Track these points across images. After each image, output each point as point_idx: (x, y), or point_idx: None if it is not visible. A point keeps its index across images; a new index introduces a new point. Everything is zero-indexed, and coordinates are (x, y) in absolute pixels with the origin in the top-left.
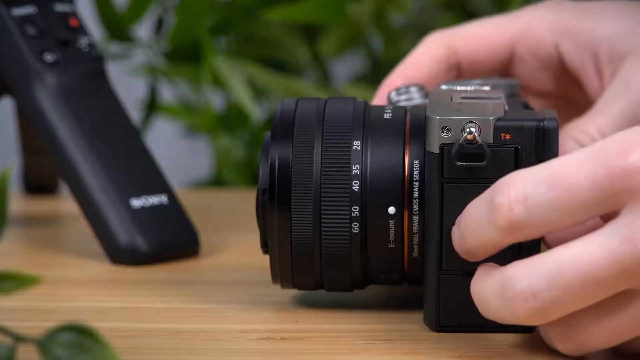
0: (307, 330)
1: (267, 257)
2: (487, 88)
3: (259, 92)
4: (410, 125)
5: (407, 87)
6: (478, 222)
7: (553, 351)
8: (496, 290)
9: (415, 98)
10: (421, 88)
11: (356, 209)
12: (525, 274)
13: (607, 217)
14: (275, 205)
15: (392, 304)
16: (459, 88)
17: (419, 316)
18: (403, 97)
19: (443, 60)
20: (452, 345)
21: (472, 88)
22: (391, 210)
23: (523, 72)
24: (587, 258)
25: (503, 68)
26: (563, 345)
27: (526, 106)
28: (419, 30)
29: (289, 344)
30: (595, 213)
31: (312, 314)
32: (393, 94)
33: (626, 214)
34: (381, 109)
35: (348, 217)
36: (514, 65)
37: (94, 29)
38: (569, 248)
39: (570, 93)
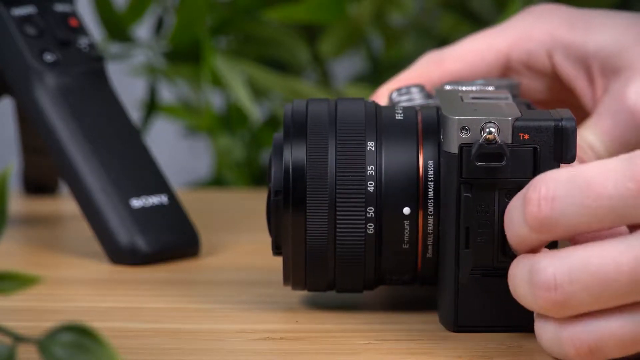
0: (307, 330)
1: (267, 257)
2: (491, 88)
3: (259, 92)
4: (423, 126)
5: (408, 87)
6: (512, 216)
7: None
8: (525, 275)
9: (417, 98)
10: (422, 88)
11: (371, 209)
12: (551, 264)
13: (634, 227)
14: (290, 206)
15: (393, 305)
16: (464, 88)
17: (419, 316)
18: (404, 97)
19: (436, 82)
20: (452, 345)
21: (477, 88)
22: (406, 210)
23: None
24: (612, 259)
25: None
26: (575, 351)
27: (529, 106)
28: (419, 30)
29: (289, 344)
30: (620, 223)
31: (312, 314)
32: (394, 95)
33: None
34: (392, 109)
35: (363, 218)
36: (509, 76)
37: (94, 29)
38: (597, 246)
39: (567, 99)
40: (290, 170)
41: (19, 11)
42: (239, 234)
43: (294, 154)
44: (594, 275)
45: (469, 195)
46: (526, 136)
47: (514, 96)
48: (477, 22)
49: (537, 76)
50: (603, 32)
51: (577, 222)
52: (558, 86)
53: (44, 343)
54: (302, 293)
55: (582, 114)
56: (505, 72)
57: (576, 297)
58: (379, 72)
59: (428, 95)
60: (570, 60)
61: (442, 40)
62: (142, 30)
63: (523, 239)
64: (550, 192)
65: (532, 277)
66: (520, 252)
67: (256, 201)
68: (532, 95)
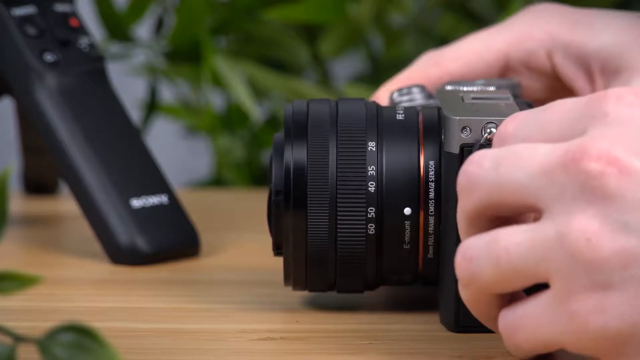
0: (307, 330)
1: (267, 257)
2: (492, 88)
3: (259, 92)
4: (424, 126)
5: (409, 87)
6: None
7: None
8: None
9: (418, 99)
10: (423, 89)
11: (372, 210)
12: (472, 239)
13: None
14: (291, 206)
15: (394, 305)
16: (465, 89)
17: (419, 317)
18: (405, 97)
19: (435, 82)
20: (452, 345)
21: (478, 88)
22: (407, 211)
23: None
24: (514, 238)
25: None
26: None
27: (530, 106)
28: (419, 30)
29: (289, 344)
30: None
31: (312, 314)
32: (395, 95)
33: (552, 216)
34: (393, 109)
35: (364, 218)
36: (508, 75)
37: (94, 29)
38: (509, 228)
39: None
40: (291, 170)
41: (19, 11)
42: (239, 234)
43: (295, 154)
44: (502, 251)
45: None
46: None
47: (515, 96)
48: (477, 22)
49: (536, 76)
50: (604, 32)
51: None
52: (558, 86)
53: (44, 343)
54: (303, 293)
55: None
56: (505, 72)
57: (485, 271)
58: (379, 72)
59: (429, 96)
60: (571, 60)
61: (442, 40)
62: (142, 30)
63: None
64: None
65: (458, 252)
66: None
67: (256, 201)
68: (531, 95)
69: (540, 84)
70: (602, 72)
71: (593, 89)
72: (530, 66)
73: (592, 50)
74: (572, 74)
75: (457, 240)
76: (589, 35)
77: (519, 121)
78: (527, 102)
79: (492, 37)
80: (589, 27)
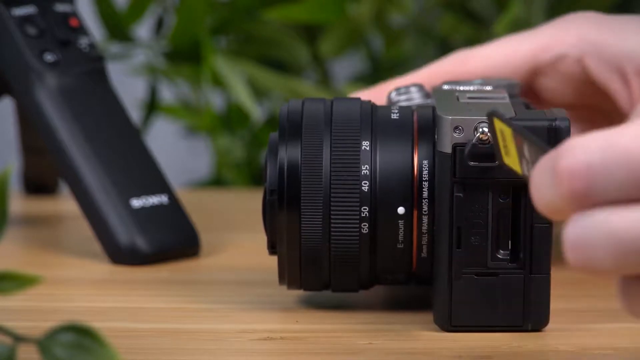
0: (307, 330)
1: (266, 257)
2: (489, 88)
3: (259, 92)
4: (418, 125)
5: (407, 87)
6: (543, 188)
7: (554, 351)
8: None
9: (415, 98)
10: (421, 88)
11: (366, 209)
12: (580, 223)
13: None
14: (284, 206)
15: (393, 304)
16: (461, 88)
17: (419, 316)
18: (403, 96)
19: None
20: (452, 345)
21: (475, 88)
22: (400, 210)
23: (547, 87)
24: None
25: (526, 84)
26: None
27: (527, 106)
28: (419, 30)
29: (289, 344)
30: None
31: (312, 314)
32: (393, 94)
33: None
34: (387, 109)
35: (357, 217)
36: (538, 80)
37: (94, 29)
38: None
39: (598, 103)
40: (285, 169)
41: (19, 11)
42: (239, 234)
43: (289, 154)
44: (618, 233)
45: (460, 195)
46: None
47: (512, 96)
48: (477, 22)
49: (567, 80)
50: (636, 34)
51: (615, 192)
52: (590, 90)
53: (44, 343)
54: (302, 293)
55: (618, 117)
56: (534, 76)
57: (602, 258)
58: (379, 72)
59: (427, 95)
60: (603, 62)
61: (442, 40)
62: (142, 30)
63: (557, 210)
64: (583, 160)
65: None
66: (557, 219)
67: (256, 201)
68: (561, 99)
69: (571, 89)
70: (637, 73)
71: (630, 91)
72: (559, 70)
73: (626, 52)
74: (606, 77)
75: (450, 241)
76: (621, 38)
77: (591, 174)
78: (524, 102)
79: (520, 41)
80: (620, 30)
